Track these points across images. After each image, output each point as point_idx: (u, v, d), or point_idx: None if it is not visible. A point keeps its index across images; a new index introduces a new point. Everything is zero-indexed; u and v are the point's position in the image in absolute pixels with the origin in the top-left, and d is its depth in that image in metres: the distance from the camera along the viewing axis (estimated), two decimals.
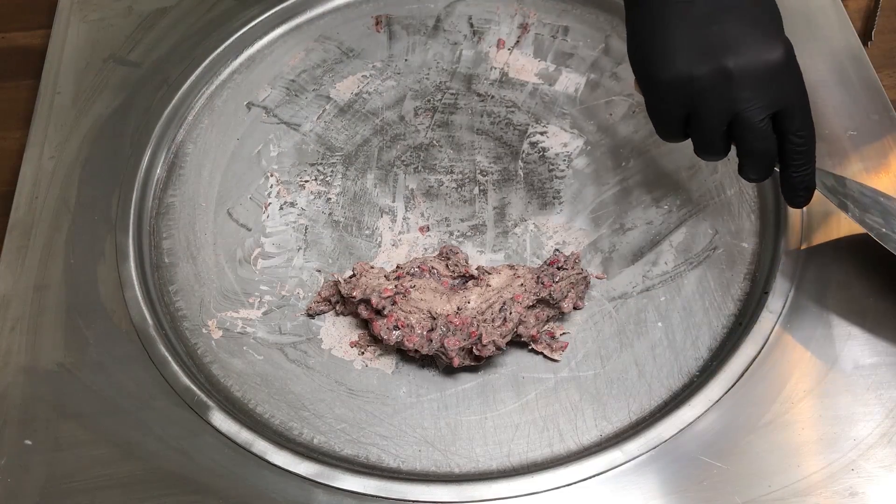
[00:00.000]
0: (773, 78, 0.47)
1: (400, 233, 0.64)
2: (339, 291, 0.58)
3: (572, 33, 0.74)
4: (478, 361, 0.56)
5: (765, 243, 0.61)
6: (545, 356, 0.57)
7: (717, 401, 0.54)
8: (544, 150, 0.67)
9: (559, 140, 0.68)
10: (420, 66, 0.72)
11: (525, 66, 0.72)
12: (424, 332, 0.55)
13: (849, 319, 0.57)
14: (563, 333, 0.58)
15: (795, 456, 0.52)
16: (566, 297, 0.57)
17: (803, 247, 0.60)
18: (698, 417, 0.53)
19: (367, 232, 0.64)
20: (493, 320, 0.55)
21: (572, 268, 0.58)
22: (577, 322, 0.59)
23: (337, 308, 0.60)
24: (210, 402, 0.55)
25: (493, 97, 0.70)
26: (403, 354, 0.58)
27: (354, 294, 0.56)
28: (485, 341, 0.54)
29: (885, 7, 0.76)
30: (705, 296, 0.59)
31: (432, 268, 0.59)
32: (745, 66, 0.47)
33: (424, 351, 0.55)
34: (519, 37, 0.74)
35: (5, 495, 0.53)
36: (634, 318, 0.59)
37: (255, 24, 0.74)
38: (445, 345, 0.54)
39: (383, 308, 0.55)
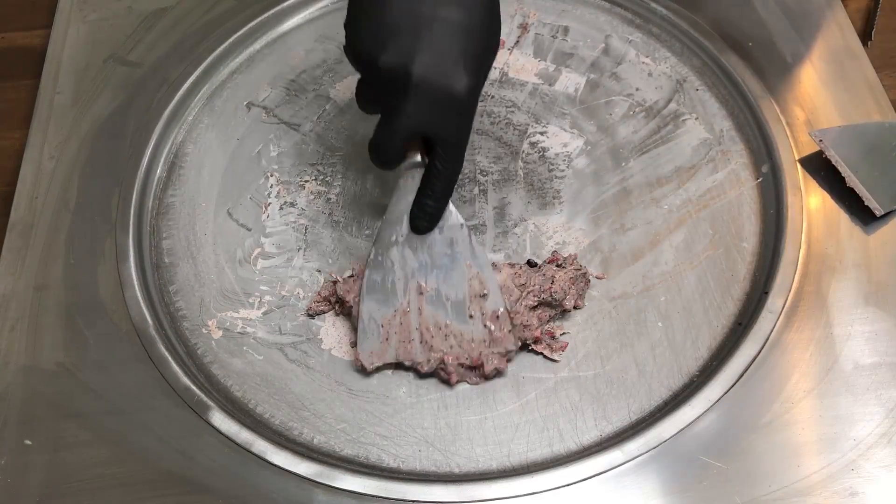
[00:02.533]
0: (446, 106, 0.49)
1: None
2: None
3: (572, 33, 0.74)
4: (478, 379, 0.56)
5: (765, 243, 0.61)
6: (545, 356, 0.57)
7: (717, 401, 0.54)
8: (544, 150, 0.67)
9: (559, 140, 0.68)
10: None
11: (525, 65, 0.72)
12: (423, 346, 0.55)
13: (849, 319, 0.57)
14: (563, 333, 0.58)
15: (795, 456, 0.52)
16: (567, 294, 0.57)
17: (803, 247, 0.60)
18: (698, 417, 0.53)
19: (367, 232, 0.64)
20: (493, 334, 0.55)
21: (571, 265, 0.58)
22: (577, 322, 0.59)
23: (337, 308, 0.60)
24: (210, 402, 0.55)
25: (492, 97, 0.70)
26: None
27: (348, 299, 0.57)
28: (487, 370, 0.55)
29: (885, 7, 0.77)
30: (705, 296, 0.59)
31: None
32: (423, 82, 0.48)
33: (424, 369, 0.55)
34: (519, 37, 0.74)
35: (5, 495, 0.53)
36: (634, 318, 0.59)
37: (255, 24, 0.74)
38: (445, 360, 0.55)
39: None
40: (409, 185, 0.53)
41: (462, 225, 0.54)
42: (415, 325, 0.55)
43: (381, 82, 0.48)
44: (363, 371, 0.56)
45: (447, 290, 0.55)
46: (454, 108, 0.49)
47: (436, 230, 0.54)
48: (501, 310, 0.55)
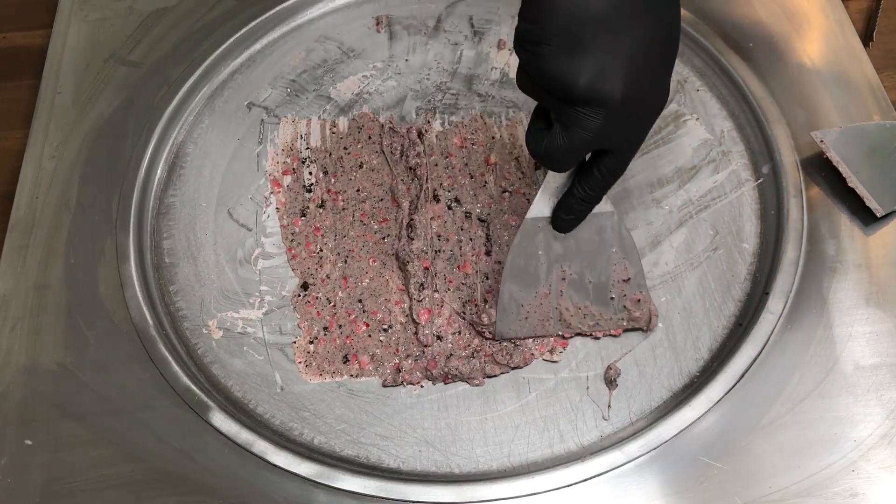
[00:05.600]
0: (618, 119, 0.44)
1: None
2: None
3: None
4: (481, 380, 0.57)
5: (766, 244, 0.61)
6: (545, 359, 0.57)
7: (718, 401, 0.54)
8: None
9: None
10: (421, 67, 0.72)
11: None
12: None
13: (849, 320, 0.57)
14: None
15: (796, 457, 0.52)
16: None
17: (804, 248, 0.60)
18: (699, 418, 0.53)
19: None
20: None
21: None
22: None
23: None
24: (210, 403, 0.55)
25: (493, 97, 0.70)
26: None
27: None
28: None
29: (885, 8, 0.77)
30: (706, 296, 0.59)
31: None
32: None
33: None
34: None
35: (5, 495, 0.53)
36: None
37: (256, 24, 0.74)
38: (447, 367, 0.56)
39: None
40: (559, 179, 0.51)
41: (613, 213, 0.53)
42: (554, 305, 0.56)
43: (571, 99, 0.43)
44: (386, 384, 0.57)
45: (590, 275, 0.55)
46: (644, 127, 0.46)
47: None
48: (643, 294, 0.56)
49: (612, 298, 0.56)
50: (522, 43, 0.42)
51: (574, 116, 0.43)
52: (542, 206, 0.52)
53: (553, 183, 0.51)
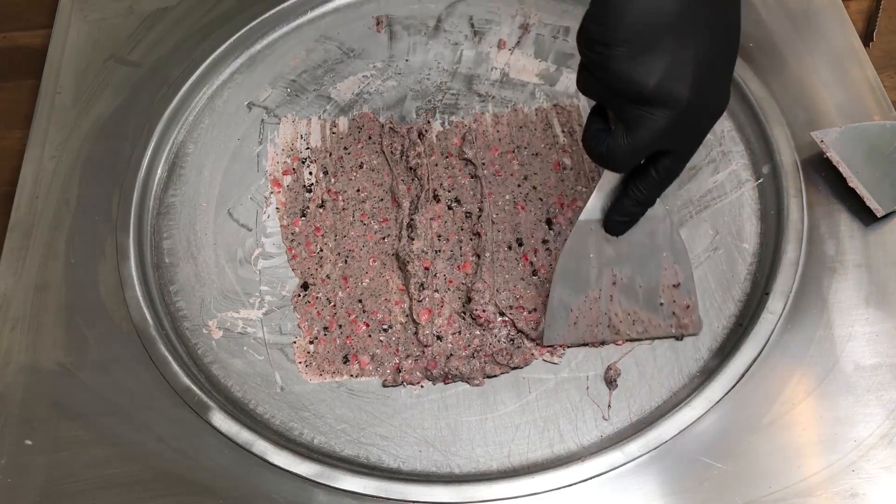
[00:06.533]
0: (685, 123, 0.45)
1: None
2: None
3: (573, 34, 0.74)
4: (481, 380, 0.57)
5: (766, 244, 0.61)
6: (545, 360, 0.57)
7: (718, 401, 0.54)
8: None
9: None
10: (421, 67, 0.72)
11: (526, 66, 0.72)
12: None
13: (849, 320, 0.57)
14: None
15: (796, 457, 0.52)
16: None
17: (804, 248, 0.60)
18: (699, 418, 0.53)
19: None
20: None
21: None
22: None
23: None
24: (210, 403, 0.55)
25: (493, 97, 0.70)
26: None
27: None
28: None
29: (886, 8, 0.76)
30: (706, 296, 0.59)
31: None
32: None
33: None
34: (520, 37, 0.74)
35: (5, 495, 0.53)
36: None
37: (256, 24, 0.74)
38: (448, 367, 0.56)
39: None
40: (613, 181, 0.51)
41: (665, 217, 0.53)
42: (604, 310, 0.55)
43: (640, 100, 0.43)
44: (387, 385, 0.57)
45: (641, 279, 0.55)
46: (705, 129, 0.47)
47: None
48: (692, 300, 0.56)
49: (661, 304, 0.56)
50: (592, 45, 0.43)
51: (640, 116, 0.44)
52: (594, 208, 0.52)
53: (607, 185, 0.51)
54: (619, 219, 0.52)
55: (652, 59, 0.42)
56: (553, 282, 0.54)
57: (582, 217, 0.52)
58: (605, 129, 0.47)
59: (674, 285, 0.55)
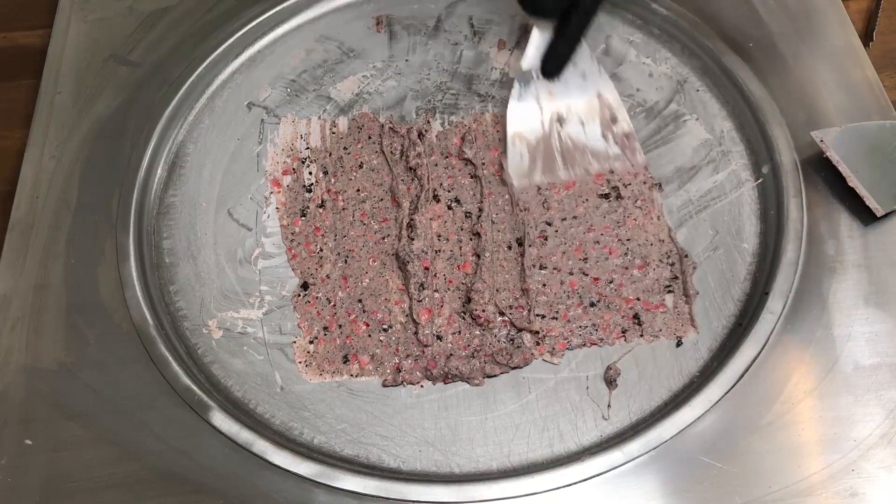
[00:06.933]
0: None
1: None
2: None
3: None
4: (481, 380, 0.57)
5: (765, 244, 0.61)
6: (545, 360, 0.57)
7: (718, 401, 0.54)
8: None
9: None
10: (421, 67, 0.73)
11: None
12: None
13: (849, 320, 0.57)
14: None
15: (796, 457, 0.52)
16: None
17: (803, 248, 0.60)
18: (698, 418, 0.53)
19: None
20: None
21: None
22: None
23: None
24: (210, 402, 0.55)
25: (493, 97, 0.70)
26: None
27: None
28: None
29: (886, 8, 0.77)
30: (705, 296, 0.59)
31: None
32: None
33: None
34: (520, 37, 0.74)
35: (5, 495, 0.53)
36: None
37: (256, 24, 0.74)
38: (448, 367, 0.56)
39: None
40: (543, 36, 0.61)
41: (592, 57, 0.62)
42: (556, 147, 0.63)
43: None
44: (387, 384, 0.57)
45: (583, 117, 0.63)
46: None
47: (570, 65, 0.62)
48: (629, 129, 0.64)
49: (604, 135, 0.63)
50: None
51: None
52: (532, 56, 0.61)
53: (538, 36, 0.61)
54: (551, 56, 0.61)
55: None
56: (507, 127, 0.62)
57: (523, 66, 0.61)
58: None
59: (612, 120, 0.63)
